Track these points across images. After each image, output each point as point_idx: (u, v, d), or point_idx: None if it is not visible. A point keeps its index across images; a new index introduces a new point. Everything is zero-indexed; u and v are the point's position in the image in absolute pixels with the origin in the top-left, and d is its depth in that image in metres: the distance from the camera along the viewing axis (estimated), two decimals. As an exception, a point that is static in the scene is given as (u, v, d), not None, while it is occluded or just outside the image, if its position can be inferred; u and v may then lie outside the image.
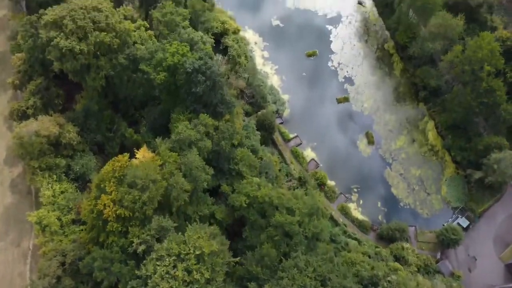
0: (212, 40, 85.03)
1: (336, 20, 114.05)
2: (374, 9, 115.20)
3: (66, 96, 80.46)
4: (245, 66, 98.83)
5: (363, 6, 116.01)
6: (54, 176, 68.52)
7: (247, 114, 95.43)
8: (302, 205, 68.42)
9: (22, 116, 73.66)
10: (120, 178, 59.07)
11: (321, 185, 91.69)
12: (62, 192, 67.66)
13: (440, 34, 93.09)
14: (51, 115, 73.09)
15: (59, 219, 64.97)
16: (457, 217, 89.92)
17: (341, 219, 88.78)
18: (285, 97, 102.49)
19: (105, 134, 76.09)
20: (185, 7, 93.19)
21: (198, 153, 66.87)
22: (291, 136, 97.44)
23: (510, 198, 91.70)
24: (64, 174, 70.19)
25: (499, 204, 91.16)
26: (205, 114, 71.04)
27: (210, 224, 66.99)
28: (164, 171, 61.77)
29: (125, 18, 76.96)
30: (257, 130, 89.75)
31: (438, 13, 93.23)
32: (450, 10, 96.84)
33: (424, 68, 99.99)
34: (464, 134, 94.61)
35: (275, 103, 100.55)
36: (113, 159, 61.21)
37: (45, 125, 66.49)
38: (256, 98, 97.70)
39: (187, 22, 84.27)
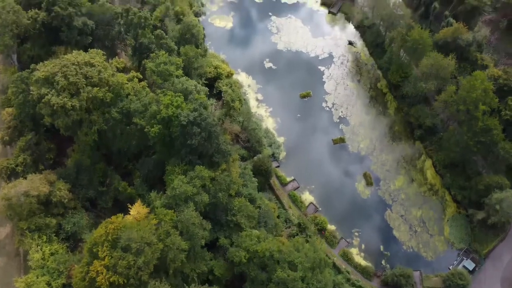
0: (206, 89, 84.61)
1: (328, 61, 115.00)
2: (365, 49, 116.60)
3: (58, 150, 78.55)
4: (239, 110, 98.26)
5: (354, 46, 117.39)
6: (44, 237, 65.47)
7: (243, 158, 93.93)
8: (304, 259, 65.86)
9: (11, 174, 71.24)
10: (114, 241, 56.30)
11: (321, 230, 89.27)
12: (52, 254, 64.46)
13: (432, 74, 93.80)
14: (42, 172, 70.80)
15: (48, 284, 61.47)
16: (462, 259, 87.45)
17: (343, 266, 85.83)
18: (281, 139, 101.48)
19: (98, 189, 73.70)
20: (178, 54, 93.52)
21: (194, 207, 64.68)
22: (288, 179, 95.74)
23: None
24: (54, 234, 67.20)
25: (504, 244, 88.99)
26: (201, 166, 69.34)
27: (209, 282, 63.94)
28: (160, 231, 59.24)
29: (118, 70, 76.38)
30: (254, 175, 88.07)
31: (430, 53, 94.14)
32: (441, 50, 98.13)
33: (418, 107, 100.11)
34: (463, 173, 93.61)
35: (270, 146, 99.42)
36: (106, 220, 58.65)
37: (35, 184, 64.08)
38: (251, 142, 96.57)
39: (180, 71, 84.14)
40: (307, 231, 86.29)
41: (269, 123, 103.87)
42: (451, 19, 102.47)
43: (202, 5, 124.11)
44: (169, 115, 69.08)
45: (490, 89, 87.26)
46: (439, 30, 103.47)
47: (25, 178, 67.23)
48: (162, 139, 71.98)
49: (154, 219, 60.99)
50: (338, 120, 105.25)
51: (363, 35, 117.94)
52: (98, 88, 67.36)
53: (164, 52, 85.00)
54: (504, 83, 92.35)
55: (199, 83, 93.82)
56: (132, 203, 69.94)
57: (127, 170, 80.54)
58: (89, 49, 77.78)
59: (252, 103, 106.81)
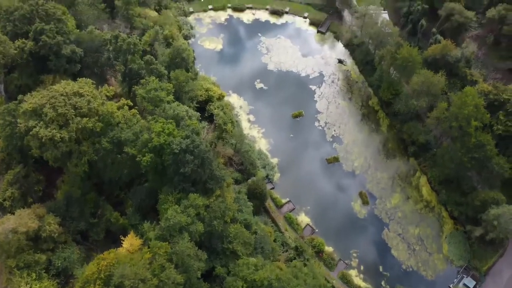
0: (198, 114, 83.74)
1: (319, 80, 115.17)
2: (355, 67, 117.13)
3: (47, 181, 76.54)
4: (232, 132, 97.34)
5: (344, 65, 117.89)
6: (33, 274, 63.06)
7: (237, 181, 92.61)
8: (303, 287, 64.18)
9: (-2, 209, 69.15)
10: (107, 278, 54.34)
11: (319, 252, 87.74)
12: (42, 292, 62.00)
13: (423, 91, 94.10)
14: (30, 205, 68.74)
15: (39, 324, 58.98)
16: (462, 277, 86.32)
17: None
18: (274, 160, 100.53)
19: (89, 221, 71.69)
20: (169, 79, 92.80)
21: (189, 238, 63.02)
22: (284, 201, 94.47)
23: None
24: (44, 271, 64.74)
25: (503, 260, 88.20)
26: (195, 194, 67.90)
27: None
28: (154, 266, 57.41)
29: (108, 98, 75.31)
30: (249, 199, 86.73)
31: (420, 71, 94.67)
32: (430, 67, 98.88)
33: (410, 124, 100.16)
34: (458, 188, 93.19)
35: (264, 167, 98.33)
36: (98, 257, 56.74)
37: (23, 220, 62.03)
38: (245, 164, 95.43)
39: (171, 97, 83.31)
40: (304, 254, 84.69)
41: (262, 144, 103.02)
42: (438, 36, 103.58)
43: (192, 27, 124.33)
44: (161, 143, 67.88)
45: (481, 105, 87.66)
46: (428, 47, 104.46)
47: (13, 213, 65.09)
48: (154, 168, 70.55)
49: (148, 252, 59.14)
50: (331, 139, 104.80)
51: (352, 53, 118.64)
52: (87, 118, 66.10)
53: (154, 78, 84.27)
54: (494, 98, 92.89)
55: (190, 106, 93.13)
56: (125, 234, 68.18)
57: (119, 199, 78.69)
58: (78, 77, 76.81)
59: (244, 125, 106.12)
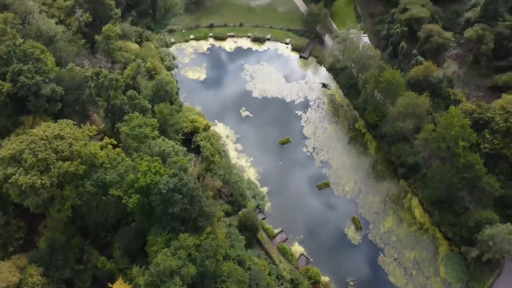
0: (185, 149, 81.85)
1: (304, 105, 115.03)
2: (339, 90, 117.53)
3: (29, 227, 73.18)
4: (219, 163, 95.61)
5: (328, 89, 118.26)
6: (16, 332, 59.19)
7: (227, 214, 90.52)
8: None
9: (-24, 262, 65.16)
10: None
11: (315, 283, 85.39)
12: None
13: (409, 113, 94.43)
14: (11, 255, 65.15)
15: None
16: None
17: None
18: (264, 189, 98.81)
19: (74, 268, 68.31)
20: (153, 112, 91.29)
21: (181, 282, 60.29)
22: (276, 231, 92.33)
23: (510, 271, 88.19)
24: (28, 327, 60.91)
25: (501, 280, 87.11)
26: (185, 233, 65.41)
27: None
28: (145, 317, 54.41)
29: (90, 137, 73.14)
30: (240, 231, 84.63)
31: (404, 93, 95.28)
32: (413, 88, 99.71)
33: (398, 145, 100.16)
34: (451, 209, 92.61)
35: (254, 197, 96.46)
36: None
37: (3, 274, 58.55)
38: (234, 196, 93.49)
39: (156, 132, 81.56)
40: (301, 287, 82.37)
41: (251, 174, 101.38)
42: (419, 57, 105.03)
43: (174, 58, 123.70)
44: (148, 183, 65.69)
45: (467, 125, 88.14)
46: (409, 68, 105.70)
47: (-8, 266, 61.51)
48: (142, 208, 68.08)
49: (138, 302, 56.23)
50: (320, 164, 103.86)
51: (336, 77, 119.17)
52: (70, 161, 63.73)
53: (138, 114, 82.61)
54: (479, 117, 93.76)
55: (176, 139, 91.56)
56: (113, 280, 65.25)
57: (105, 242, 75.60)
58: (59, 116, 74.52)
59: (232, 154, 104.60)
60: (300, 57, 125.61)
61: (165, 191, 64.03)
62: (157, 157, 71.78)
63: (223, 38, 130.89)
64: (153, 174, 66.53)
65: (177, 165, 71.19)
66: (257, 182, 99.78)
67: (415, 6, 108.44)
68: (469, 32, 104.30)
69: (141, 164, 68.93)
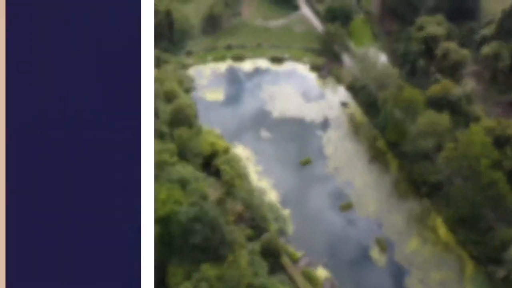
0: (203, 175, 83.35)
1: (324, 124, 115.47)
2: (359, 109, 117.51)
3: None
4: (240, 187, 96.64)
5: (348, 108, 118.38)
6: None
7: (249, 238, 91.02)
8: None
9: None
10: None
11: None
12: None
13: (429, 132, 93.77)
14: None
15: None
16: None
17: None
18: (286, 212, 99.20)
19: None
20: (171, 137, 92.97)
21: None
22: (299, 255, 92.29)
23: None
24: None
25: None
26: (207, 264, 66.61)
27: None
28: None
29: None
30: (263, 256, 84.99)
31: (425, 112, 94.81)
32: (433, 107, 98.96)
33: (420, 164, 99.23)
34: (476, 227, 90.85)
35: (276, 220, 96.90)
36: None
37: None
38: (256, 219, 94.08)
39: (175, 158, 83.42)
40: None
41: (272, 196, 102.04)
42: (437, 75, 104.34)
43: (192, 80, 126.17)
44: (167, 213, 67.40)
45: (489, 143, 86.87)
46: (427, 86, 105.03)
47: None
48: (161, 238, 69.55)
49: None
50: (342, 185, 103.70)
51: (355, 96, 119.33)
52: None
53: (157, 140, 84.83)
54: (501, 134, 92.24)
55: (195, 163, 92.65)
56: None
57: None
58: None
59: (253, 177, 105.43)
60: (319, 76, 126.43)
61: (184, 222, 65.45)
62: (176, 184, 73.40)
63: (241, 59, 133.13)
64: (173, 203, 68.14)
65: (197, 192, 72.64)
66: (278, 205, 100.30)
67: (431, 25, 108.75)
68: (485, 49, 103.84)
69: (160, 192, 70.52)
